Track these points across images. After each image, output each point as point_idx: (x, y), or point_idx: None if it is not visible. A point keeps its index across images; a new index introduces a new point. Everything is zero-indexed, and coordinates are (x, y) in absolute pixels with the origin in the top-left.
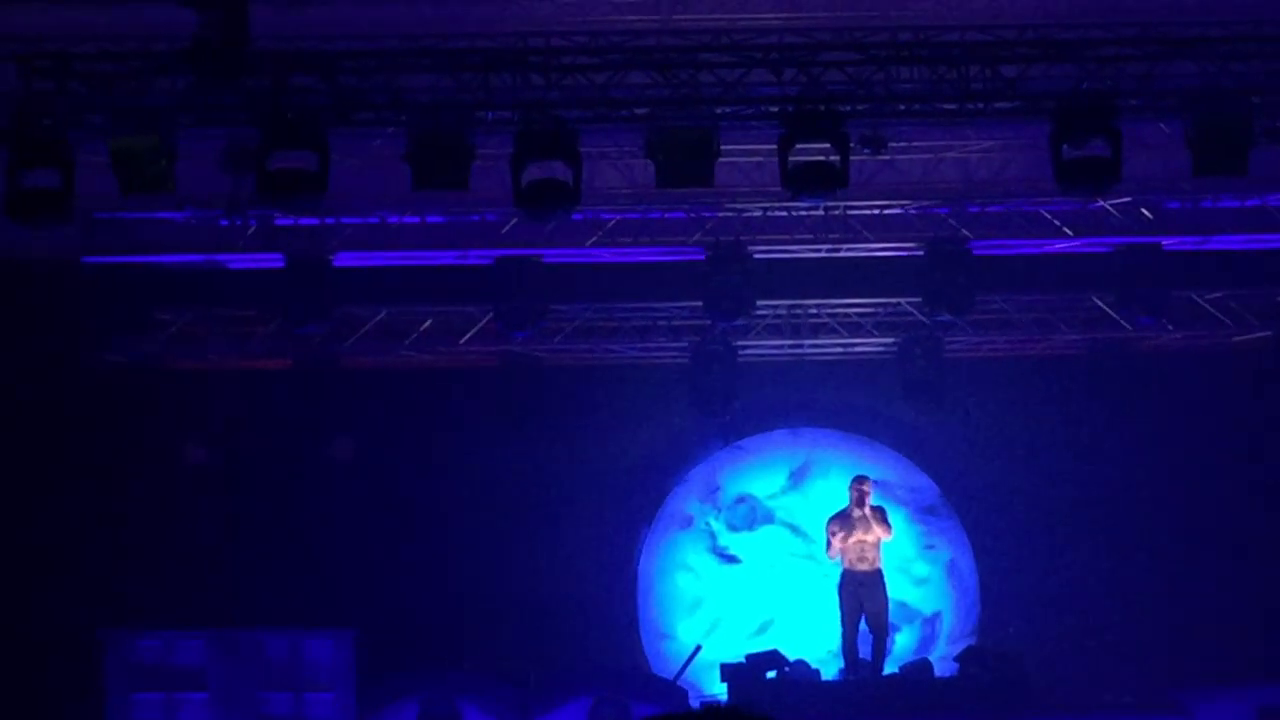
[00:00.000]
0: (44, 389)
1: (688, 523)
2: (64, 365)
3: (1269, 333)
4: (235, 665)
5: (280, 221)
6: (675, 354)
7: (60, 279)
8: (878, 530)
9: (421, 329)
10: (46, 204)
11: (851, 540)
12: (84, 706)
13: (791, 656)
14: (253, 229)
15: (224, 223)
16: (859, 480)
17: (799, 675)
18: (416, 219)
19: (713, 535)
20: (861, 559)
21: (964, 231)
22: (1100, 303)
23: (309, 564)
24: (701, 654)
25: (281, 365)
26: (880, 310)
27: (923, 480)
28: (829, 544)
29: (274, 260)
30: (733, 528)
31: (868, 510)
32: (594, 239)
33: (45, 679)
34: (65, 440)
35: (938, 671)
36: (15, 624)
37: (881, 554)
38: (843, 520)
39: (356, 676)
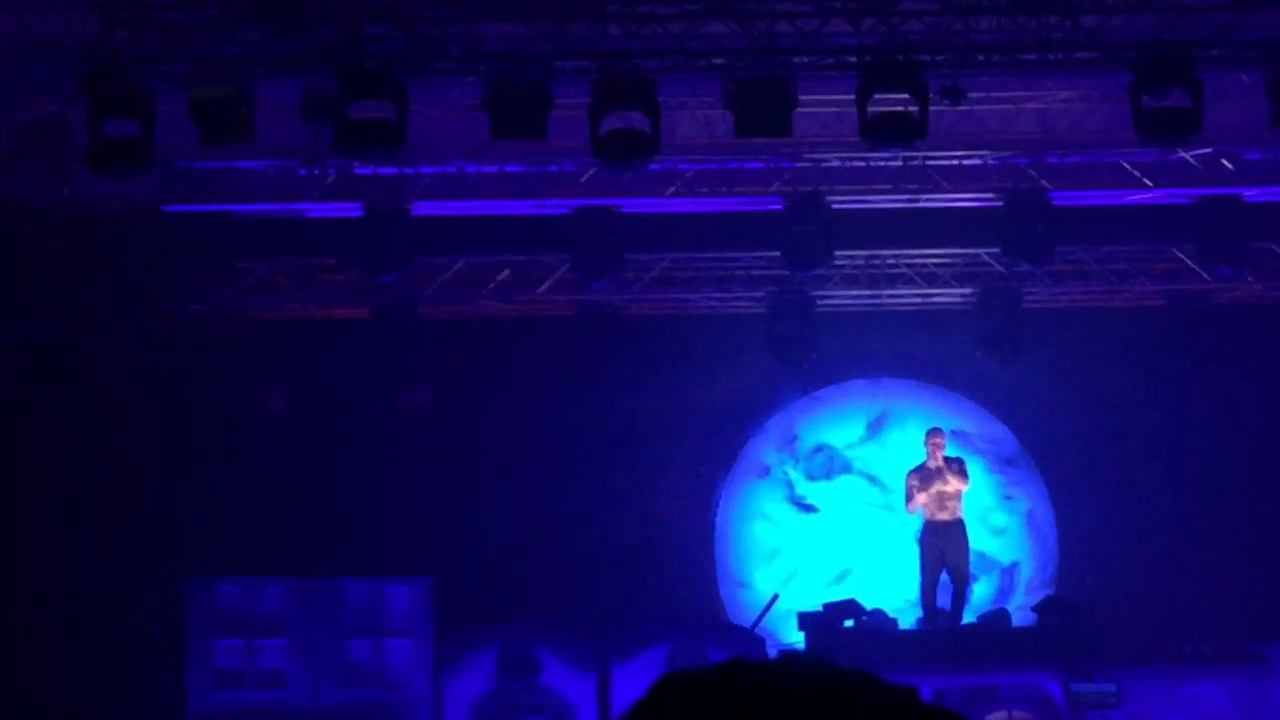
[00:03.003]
0: (124, 338)
1: (765, 472)
2: (144, 314)
3: None
4: (314, 611)
5: (359, 170)
6: (753, 304)
7: (140, 229)
8: (955, 481)
9: (499, 278)
10: (127, 153)
11: (931, 491)
12: (166, 652)
13: (869, 606)
14: (331, 178)
15: (303, 172)
16: (934, 433)
17: (876, 624)
18: (494, 168)
19: (790, 484)
20: (942, 508)
21: (1043, 182)
22: (1180, 254)
23: (387, 512)
24: (779, 603)
25: (359, 314)
26: (958, 261)
27: (1001, 431)
28: (910, 497)
29: (352, 209)
30: (810, 477)
31: (943, 461)
32: (672, 189)
33: (128, 625)
34: (146, 389)
35: (1015, 621)
36: (99, 570)
37: (963, 504)
38: (921, 473)
39: (435, 624)
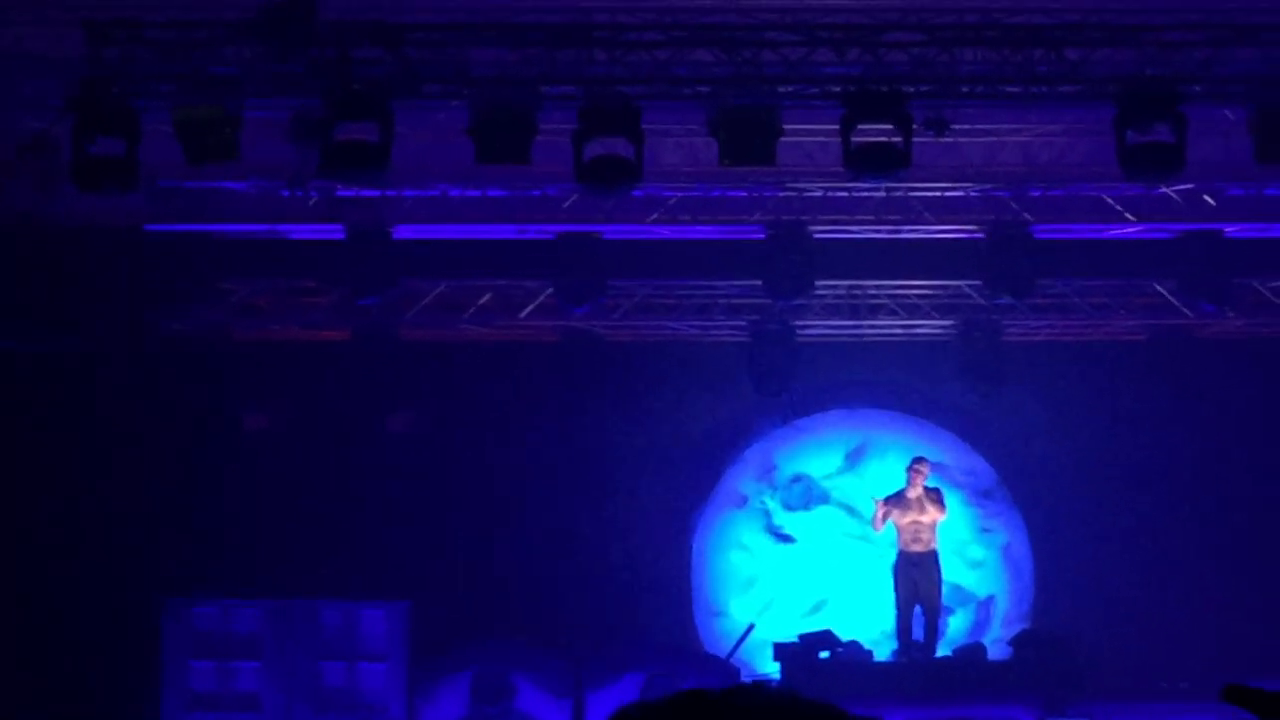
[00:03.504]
0: (106, 356)
1: (743, 501)
2: (126, 333)
3: None
4: (290, 634)
5: (342, 192)
6: (734, 332)
7: (124, 247)
8: (933, 511)
9: (480, 302)
10: (112, 171)
11: (907, 521)
12: (141, 672)
13: (844, 637)
14: (315, 200)
15: (286, 193)
16: (917, 461)
17: (852, 656)
18: (478, 192)
19: (768, 514)
20: (916, 540)
21: (1025, 215)
22: (1161, 289)
23: (366, 535)
24: (754, 633)
25: (341, 336)
26: (940, 292)
27: (980, 463)
28: (876, 517)
29: (335, 231)
30: (788, 507)
31: (923, 491)
32: (655, 216)
33: (104, 644)
34: (127, 407)
35: (991, 655)
36: (76, 589)
37: (937, 536)
38: (898, 500)
39: (410, 648)
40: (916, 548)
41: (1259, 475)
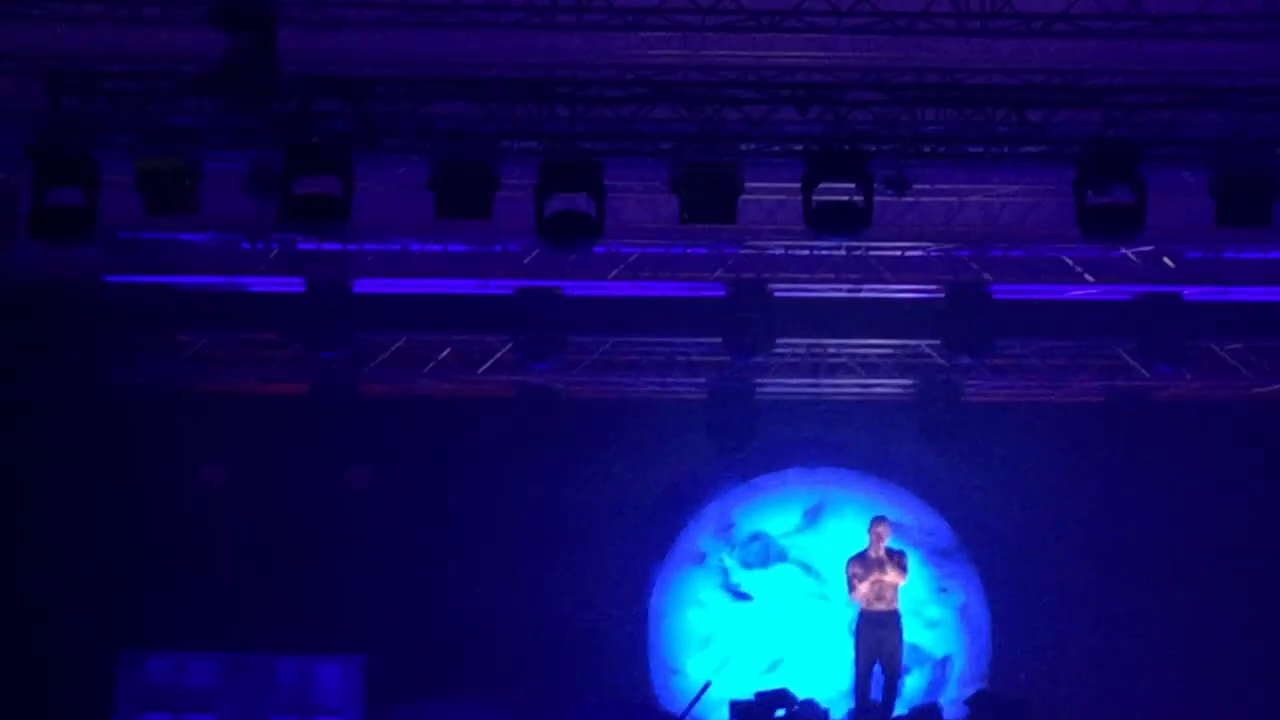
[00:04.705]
0: (63, 409)
1: (700, 559)
2: (83, 385)
3: None
4: (245, 688)
5: (302, 245)
6: (693, 389)
7: (82, 299)
8: (894, 573)
9: (440, 357)
10: (70, 222)
11: (869, 580)
12: None
13: (801, 695)
14: (274, 252)
15: (246, 246)
16: (877, 521)
17: (808, 714)
18: (439, 247)
19: (725, 572)
20: (879, 598)
21: (985, 275)
22: (1119, 350)
23: (322, 589)
24: (711, 690)
25: (300, 390)
26: (899, 352)
27: (938, 523)
28: (851, 586)
29: (295, 284)
30: (746, 565)
31: (884, 552)
32: (615, 272)
33: (57, 696)
34: (83, 460)
35: (947, 715)
36: (29, 641)
37: (899, 595)
38: (862, 561)
39: (365, 702)
40: (879, 606)
41: (1215, 537)
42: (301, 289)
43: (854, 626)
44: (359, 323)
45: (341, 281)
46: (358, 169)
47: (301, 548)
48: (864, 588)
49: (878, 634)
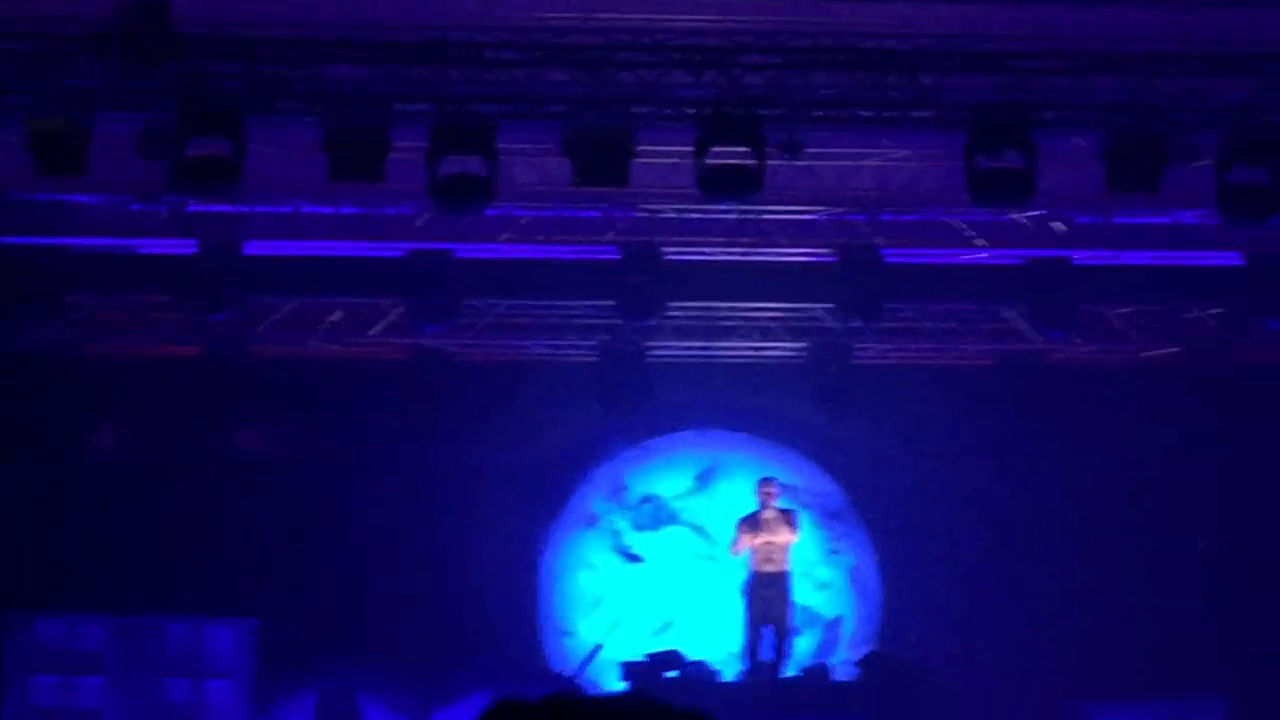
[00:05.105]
0: None
1: (592, 521)
2: None
3: (1176, 349)
4: (134, 651)
5: (193, 208)
6: (586, 352)
7: None
8: (785, 533)
9: (331, 319)
10: None
11: (759, 541)
12: None
13: (691, 657)
14: (165, 214)
15: (135, 207)
16: (765, 481)
17: (698, 675)
18: (330, 209)
19: (616, 534)
20: (769, 560)
21: (877, 239)
22: (1009, 314)
23: (213, 552)
24: (602, 652)
25: (191, 352)
26: (791, 315)
27: (829, 485)
28: (736, 541)
29: (186, 246)
30: (637, 527)
31: (775, 512)
32: (508, 235)
33: None
34: None
35: (837, 676)
36: None
37: (789, 557)
38: (752, 522)
39: (256, 666)
40: (769, 568)
41: (1103, 501)
42: (192, 251)
43: (744, 588)
44: (250, 285)
45: (232, 243)
46: (250, 131)
47: (192, 511)
48: (749, 541)
49: (767, 595)
